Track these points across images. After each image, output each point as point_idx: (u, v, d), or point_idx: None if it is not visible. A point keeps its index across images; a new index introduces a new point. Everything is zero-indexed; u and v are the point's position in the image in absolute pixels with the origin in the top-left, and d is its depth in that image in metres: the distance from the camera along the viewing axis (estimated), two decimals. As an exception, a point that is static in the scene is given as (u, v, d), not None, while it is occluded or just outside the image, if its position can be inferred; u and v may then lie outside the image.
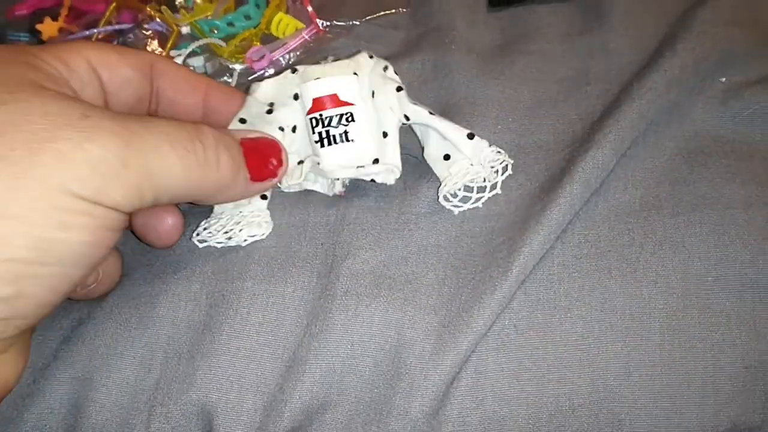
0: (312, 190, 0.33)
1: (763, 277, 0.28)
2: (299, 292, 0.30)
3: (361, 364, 0.28)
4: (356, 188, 0.32)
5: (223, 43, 0.41)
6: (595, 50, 0.37)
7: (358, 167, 0.30)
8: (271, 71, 0.41)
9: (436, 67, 0.37)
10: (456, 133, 0.31)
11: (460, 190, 0.31)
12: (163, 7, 0.42)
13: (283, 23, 0.42)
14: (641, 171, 0.32)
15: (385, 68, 0.31)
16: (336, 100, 0.30)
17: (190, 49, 0.41)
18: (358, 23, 0.42)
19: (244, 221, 0.31)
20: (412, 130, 0.33)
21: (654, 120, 0.33)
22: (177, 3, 0.43)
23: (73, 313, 0.30)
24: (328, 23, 0.42)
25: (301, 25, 0.42)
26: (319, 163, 0.30)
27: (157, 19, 0.43)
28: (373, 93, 0.31)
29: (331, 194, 0.32)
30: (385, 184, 0.31)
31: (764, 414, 0.27)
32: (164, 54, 0.41)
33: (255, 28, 0.42)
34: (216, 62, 0.42)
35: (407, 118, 0.31)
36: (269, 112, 0.31)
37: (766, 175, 0.31)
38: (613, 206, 0.31)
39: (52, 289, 0.22)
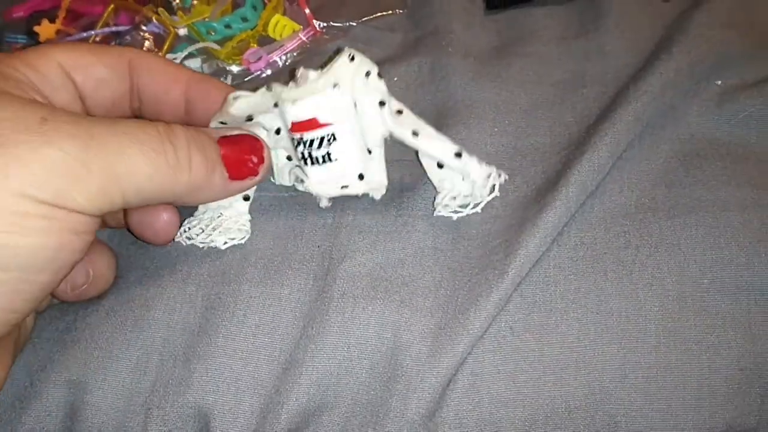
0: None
1: (759, 280, 0.28)
2: (296, 294, 0.30)
3: (357, 366, 0.28)
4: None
5: (218, 47, 0.41)
6: (591, 53, 0.37)
7: (342, 187, 0.30)
8: (269, 72, 0.41)
9: (433, 70, 0.37)
10: (442, 153, 0.29)
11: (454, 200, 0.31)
12: (160, 9, 0.42)
13: (280, 25, 0.42)
14: (637, 173, 0.32)
15: (368, 74, 0.28)
16: (316, 124, 0.28)
17: (185, 53, 0.41)
18: (354, 24, 0.42)
19: (223, 225, 0.30)
20: None
21: (650, 123, 0.33)
22: (174, 5, 0.43)
23: (69, 315, 0.30)
24: (325, 24, 0.43)
25: (298, 26, 0.42)
26: (303, 181, 0.30)
27: (155, 21, 0.43)
28: (355, 103, 0.29)
29: (320, 205, 0.32)
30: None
31: (760, 416, 0.27)
32: (162, 54, 0.41)
33: (252, 30, 0.42)
34: (213, 64, 0.42)
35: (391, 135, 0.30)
36: (249, 119, 0.30)
37: (761, 178, 0.31)
38: (609, 208, 0.31)
39: (18, 295, 0.22)
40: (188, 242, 0.30)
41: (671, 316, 0.28)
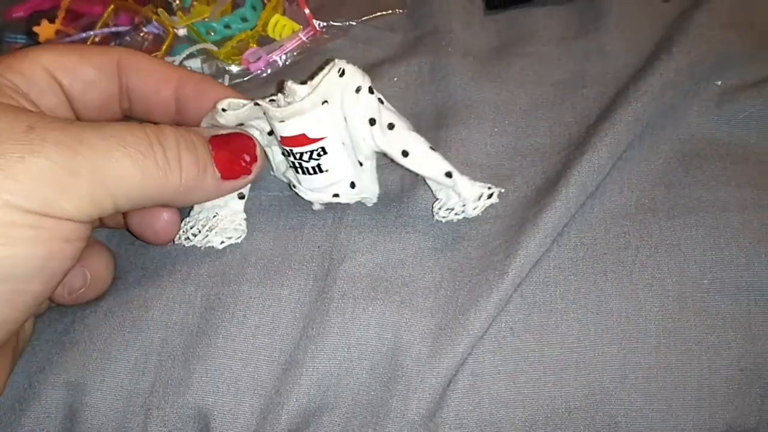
0: None
1: (759, 280, 0.28)
2: (296, 294, 0.30)
3: (357, 367, 0.28)
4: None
5: (215, 48, 0.41)
6: (591, 53, 0.37)
7: (333, 195, 0.30)
8: (268, 72, 0.41)
9: (433, 70, 0.37)
10: (432, 173, 0.29)
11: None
12: (160, 10, 0.42)
13: (280, 25, 0.42)
14: (637, 174, 0.32)
15: (358, 89, 0.27)
16: (305, 139, 0.28)
17: (185, 53, 0.41)
18: (354, 24, 0.42)
19: (219, 225, 0.30)
20: None
21: (650, 123, 0.33)
22: (174, 6, 0.43)
23: (67, 317, 0.30)
24: (325, 24, 0.43)
25: (297, 26, 0.42)
26: (295, 186, 0.30)
27: (154, 22, 0.43)
28: (345, 118, 0.28)
29: (314, 208, 0.32)
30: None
31: (760, 416, 0.27)
32: (160, 56, 0.41)
33: (251, 30, 0.42)
34: (213, 64, 0.42)
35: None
36: (239, 125, 0.30)
37: (761, 178, 0.31)
38: (608, 209, 0.31)
39: (10, 305, 0.22)
40: (187, 244, 0.30)
41: (671, 317, 0.28)
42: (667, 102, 0.33)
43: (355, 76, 0.27)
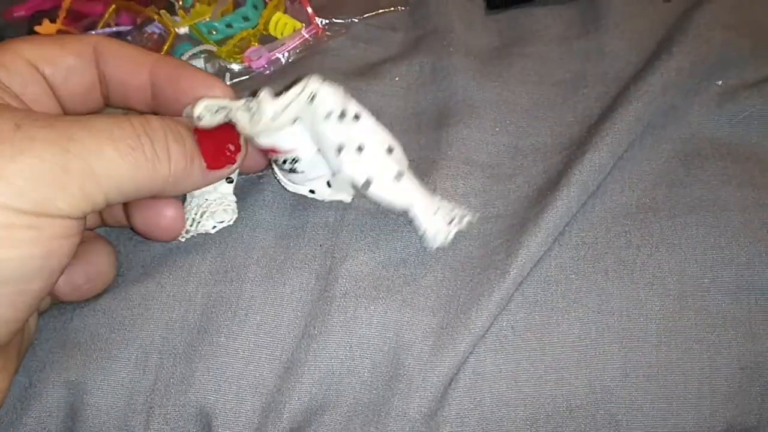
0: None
1: (759, 279, 0.28)
2: (298, 293, 0.30)
3: (359, 366, 0.28)
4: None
5: (214, 48, 0.41)
6: (592, 53, 0.38)
7: (310, 191, 0.30)
8: (271, 69, 0.41)
9: (434, 70, 0.38)
10: (391, 206, 0.28)
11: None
12: (162, 11, 0.42)
13: (281, 23, 0.42)
14: (638, 173, 0.32)
15: (328, 115, 0.27)
16: (277, 150, 0.28)
17: (188, 54, 0.41)
18: (356, 20, 0.42)
19: (210, 209, 0.30)
20: None
21: (650, 123, 0.33)
22: (176, 7, 0.43)
23: (67, 314, 0.30)
24: (327, 21, 0.43)
25: (299, 24, 0.42)
26: (276, 176, 0.31)
27: (156, 22, 0.43)
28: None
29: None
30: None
31: (760, 414, 0.27)
32: (162, 53, 0.41)
33: (253, 28, 0.42)
34: (216, 63, 0.42)
35: None
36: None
37: (762, 178, 0.31)
38: (610, 208, 0.31)
39: (12, 306, 0.22)
40: (186, 236, 0.30)
41: (672, 316, 0.28)
42: (668, 102, 0.33)
43: (326, 102, 0.26)
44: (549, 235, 0.29)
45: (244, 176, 0.33)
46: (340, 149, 0.27)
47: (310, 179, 0.30)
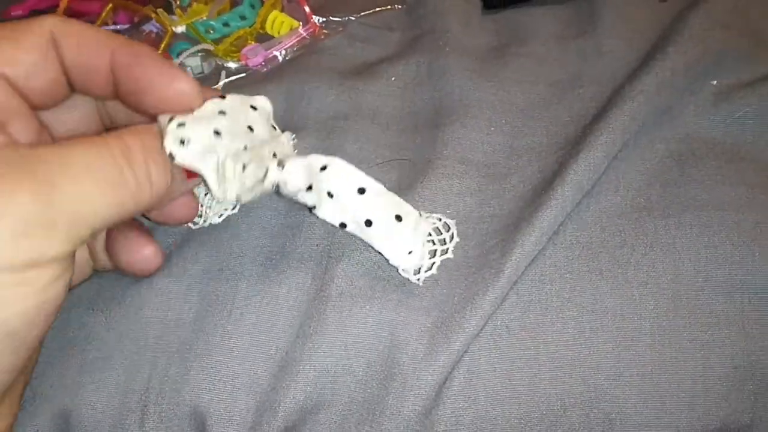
0: None
1: (752, 278, 0.28)
2: (293, 292, 0.30)
3: (354, 365, 0.28)
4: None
5: (211, 47, 0.41)
6: (588, 53, 0.38)
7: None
8: (268, 67, 0.41)
9: (431, 69, 0.38)
10: (333, 223, 0.28)
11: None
12: (159, 10, 0.42)
13: (278, 22, 0.43)
14: (632, 173, 0.32)
15: (276, 158, 0.27)
16: None
17: (187, 54, 0.41)
18: (354, 18, 0.42)
19: (209, 201, 0.31)
20: None
21: (645, 122, 0.33)
22: (174, 6, 0.43)
23: (63, 313, 0.30)
24: (324, 20, 0.43)
25: (296, 23, 0.42)
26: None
27: (153, 21, 0.43)
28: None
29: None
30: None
31: (753, 413, 0.27)
32: (159, 52, 0.41)
33: (250, 27, 0.42)
34: (213, 62, 0.42)
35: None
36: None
37: (756, 177, 0.31)
38: (604, 208, 0.31)
39: (14, 354, 0.22)
40: (197, 225, 0.31)
41: (666, 315, 0.28)
42: (663, 101, 0.33)
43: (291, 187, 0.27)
44: (543, 234, 0.29)
45: None
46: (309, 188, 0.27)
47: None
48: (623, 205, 0.31)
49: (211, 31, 0.42)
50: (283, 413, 0.27)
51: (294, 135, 0.30)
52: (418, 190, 0.32)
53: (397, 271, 0.28)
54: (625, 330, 0.28)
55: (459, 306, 0.28)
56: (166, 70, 0.25)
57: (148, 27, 0.43)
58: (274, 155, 0.28)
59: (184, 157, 0.25)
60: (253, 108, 0.28)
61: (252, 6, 0.43)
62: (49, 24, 0.25)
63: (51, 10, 0.45)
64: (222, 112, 0.26)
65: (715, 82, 0.34)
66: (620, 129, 0.31)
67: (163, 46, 0.42)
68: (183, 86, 0.25)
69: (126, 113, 0.28)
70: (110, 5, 0.43)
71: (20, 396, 0.26)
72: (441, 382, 0.27)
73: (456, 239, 0.29)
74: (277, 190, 0.27)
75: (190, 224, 0.31)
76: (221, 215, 0.31)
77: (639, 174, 0.32)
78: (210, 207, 0.31)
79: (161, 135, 0.25)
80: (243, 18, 0.43)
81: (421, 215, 0.29)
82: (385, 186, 0.32)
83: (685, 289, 0.28)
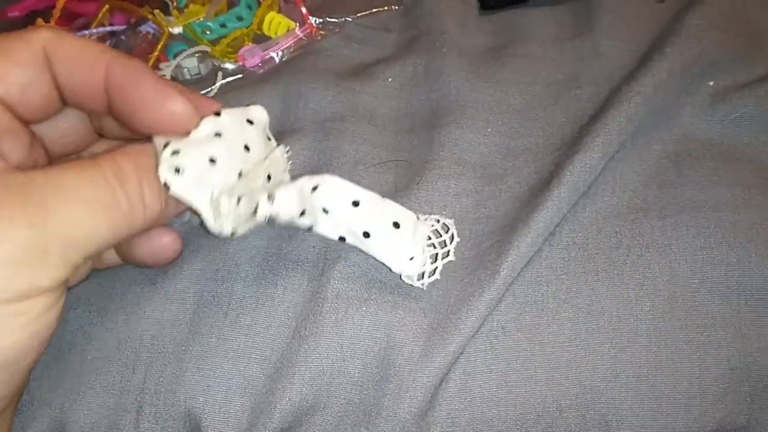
0: None
1: (749, 279, 0.28)
2: (289, 294, 0.30)
3: (350, 366, 0.28)
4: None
5: (208, 49, 0.41)
6: (585, 54, 0.38)
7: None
8: (265, 69, 0.41)
9: (428, 70, 0.38)
10: (332, 236, 0.28)
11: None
12: (156, 11, 0.42)
13: (275, 22, 0.43)
14: (629, 174, 0.32)
15: (266, 192, 0.26)
16: None
17: (184, 55, 0.41)
18: (350, 19, 0.42)
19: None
20: None
21: (642, 123, 0.33)
22: (171, 8, 0.43)
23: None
24: (321, 21, 0.43)
25: (293, 24, 0.42)
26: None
27: (150, 21, 0.43)
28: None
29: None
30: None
31: (750, 415, 0.27)
32: (155, 55, 0.41)
33: (247, 28, 0.42)
34: (209, 63, 0.42)
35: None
36: None
37: (752, 178, 0.31)
38: (600, 209, 0.31)
39: (7, 384, 0.22)
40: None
41: (662, 316, 0.28)
42: (660, 102, 0.33)
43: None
44: (540, 235, 0.29)
45: None
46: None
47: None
48: (620, 206, 0.31)
49: (208, 32, 0.42)
50: (278, 415, 0.27)
51: (288, 148, 0.29)
52: (415, 191, 0.32)
53: (400, 277, 0.28)
54: (622, 331, 0.28)
55: (455, 307, 0.28)
56: (160, 90, 0.25)
57: (144, 28, 0.43)
58: (269, 177, 0.27)
59: (180, 189, 0.25)
60: (250, 122, 0.27)
61: (249, 7, 0.43)
62: (43, 38, 0.24)
63: (48, 10, 0.45)
64: (218, 134, 0.26)
65: (711, 83, 0.34)
66: (617, 130, 0.31)
67: (159, 47, 0.42)
68: (177, 107, 0.25)
69: (119, 126, 0.27)
70: (107, 6, 0.43)
71: (12, 414, 0.26)
72: (437, 384, 0.27)
73: (457, 239, 0.29)
74: (271, 221, 0.27)
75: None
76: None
77: (636, 175, 0.32)
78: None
79: (156, 156, 0.25)
80: (240, 19, 0.43)
81: (418, 218, 0.29)
82: (381, 187, 0.32)
83: (682, 291, 0.28)
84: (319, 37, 0.42)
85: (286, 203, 0.26)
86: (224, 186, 0.26)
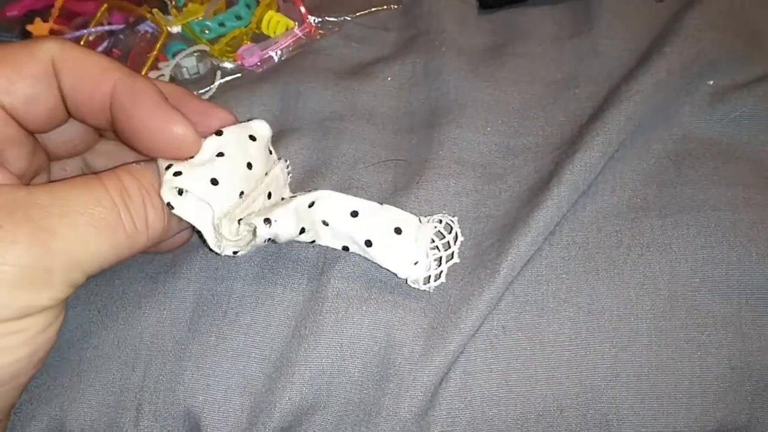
0: None
1: (749, 279, 0.28)
2: (289, 293, 0.30)
3: (350, 366, 0.28)
4: (348, 190, 0.33)
5: (207, 48, 0.41)
6: (584, 53, 0.38)
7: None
8: (264, 68, 0.41)
9: (427, 69, 0.38)
10: (334, 245, 0.28)
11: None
12: (155, 10, 0.42)
13: (274, 21, 0.42)
14: (629, 173, 0.32)
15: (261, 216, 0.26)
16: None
17: (176, 59, 0.41)
18: (349, 18, 0.42)
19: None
20: None
21: (642, 122, 0.33)
22: (169, 7, 0.43)
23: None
24: (320, 20, 0.43)
25: (291, 23, 0.42)
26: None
27: (148, 21, 0.43)
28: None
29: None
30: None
31: (750, 414, 0.27)
32: (153, 54, 0.41)
33: (246, 27, 0.42)
34: (208, 62, 0.42)
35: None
36: None
37: (752, 177, 0.31)
38: (600, 208, 0.31)
39: (5, 399, 0.22)
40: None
41: (663, 315, 0.28)
42: (660, 102, 0.33)
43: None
44: (539, 234, 0.29)
45: None
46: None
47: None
48: (620, 205, 0.31)
49: (207, 31, 0.42)
50: (278, 414, 0.27)
51: (288, 162, 0.30)
52: (414, 190, 0.32)
53: (406, 282, 0.28)
54: (622, 330, 0.28)
55: (455, 307, 0.28)
56: (163, 114, 0.24)
57: (143, 27, 0.43)
58: (269, 195, 0.28)
59: (182, 211, 0.25)
60: (252, 138, 0.27)
61: (248, 6, 0.43)
62: (51, 50, 0.24)
63: (47, 9, 0.44)
64: (220, 154, 0.26)
65: (711, 82, 0.34)
66: (616, 129, 0.31)
67: (158, 46, 0.41)
68: (179, 131, 0.24)
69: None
70: (105, 5, 0.43)
71: (4, 428, 0.26)
72: (437, 383, 0.27)
73: (461, 238, 0.29)
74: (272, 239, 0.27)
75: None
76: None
77: (635, 174, 0.32)
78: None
79: (160, 176, 0.25)
80: (239, 18, 0.43)
81: (420, 220, 0.29)
82: (381, 187, 0.32)
83: (682, 290, 0.28)
84: (318, 37, 0.42)
85: (283, 225, 0.26)
86: (226, 206, 0.26)
